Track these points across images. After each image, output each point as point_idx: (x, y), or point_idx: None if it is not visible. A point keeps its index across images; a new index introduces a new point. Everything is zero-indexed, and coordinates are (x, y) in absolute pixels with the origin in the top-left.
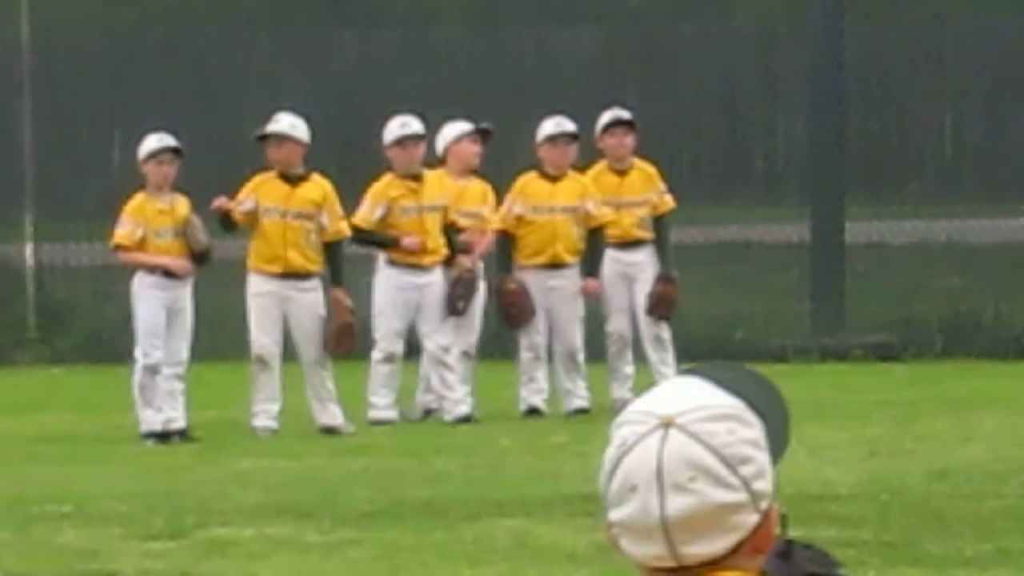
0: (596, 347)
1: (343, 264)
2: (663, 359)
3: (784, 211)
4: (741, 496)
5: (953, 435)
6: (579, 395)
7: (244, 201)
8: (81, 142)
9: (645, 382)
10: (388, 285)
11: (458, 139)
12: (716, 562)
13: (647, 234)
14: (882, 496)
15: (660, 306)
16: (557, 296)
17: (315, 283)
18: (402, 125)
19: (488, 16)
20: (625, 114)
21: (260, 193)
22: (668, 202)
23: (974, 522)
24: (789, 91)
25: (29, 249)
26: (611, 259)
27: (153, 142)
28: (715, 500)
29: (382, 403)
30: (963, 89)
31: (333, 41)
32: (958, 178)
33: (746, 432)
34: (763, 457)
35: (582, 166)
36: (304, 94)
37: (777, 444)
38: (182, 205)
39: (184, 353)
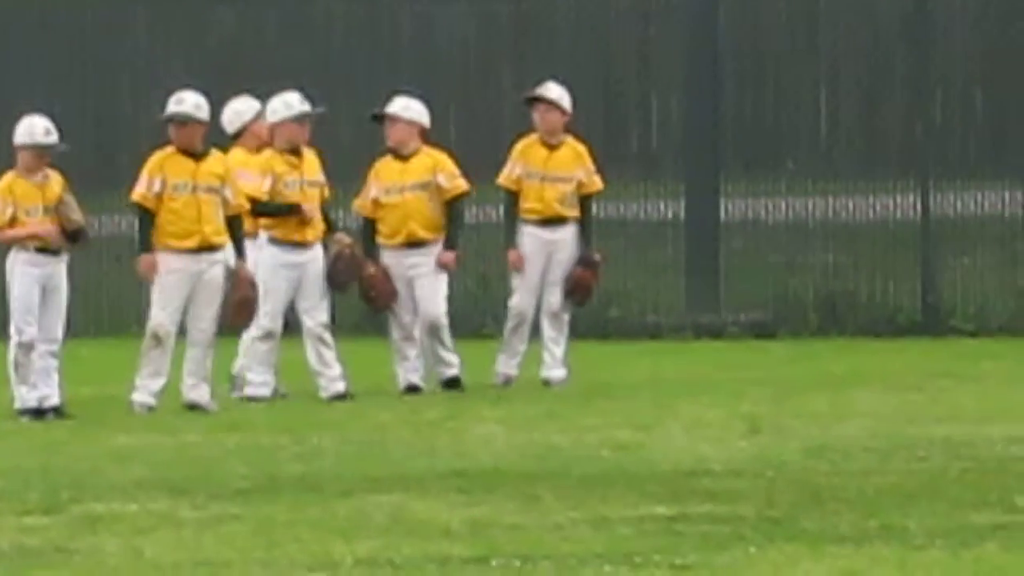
0: (474, 322)
1: (243, 237)
2: (556, 338)
3: (659, 188)
4: None
5: (830, 412)
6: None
7: (151, 185)
8: None
9: (533, 359)
10: (271, 262)
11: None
12: None
13: (571, 212)
14: (759, 472)
15: (577, 291)
16: (418, 272)
17: (222, 256)
18: (300, 101)
19: None
20: (551, 91)
21: (167, 170)
22: (596, 182)
23: (852, 499)
24: (665, 68)
25: None
26: (531, 235)
27: (38, 133)
28: None
29: (258, 380)
30: (838, 67)
31: (210, 16)
32: (833, 156)
33: None
34: None
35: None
36: (181, 70)
37: None
38: (55, 183)
39: (59, 330)
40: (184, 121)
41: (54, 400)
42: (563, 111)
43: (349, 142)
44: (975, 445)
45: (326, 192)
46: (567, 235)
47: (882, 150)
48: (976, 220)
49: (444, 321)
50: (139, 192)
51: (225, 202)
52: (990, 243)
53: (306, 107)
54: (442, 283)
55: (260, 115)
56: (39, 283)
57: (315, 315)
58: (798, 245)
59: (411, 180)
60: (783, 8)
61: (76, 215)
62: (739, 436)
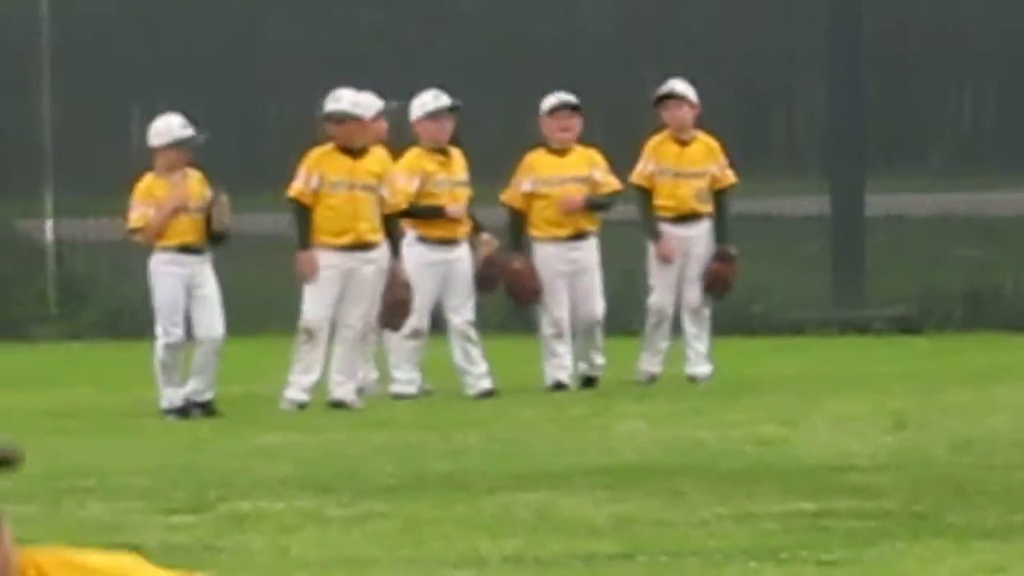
0: (622, 319)
1: (401, 237)
2: (698, 335)
3: (804, 184)
4: None
5: (975, 407)
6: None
7: (309, 181)
8: (100, 117)
9: (677, 356)
10: (419, 262)
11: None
12: None
13: (705, 207)
14: (904, 467)
15: (716, 286)
16: (578, 268)
17: (377, 254)
18: (435, 98)
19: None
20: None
21: (324, 167)
22: (729, 176)
23: (998, 493)
24: (809, 63)
25: (49, 225)
26: (666, 232)
27: (175, 127)
28: None
29: (404, 377)
30: (983, 61)
31: (351, 12)
32: (978, 150)
33: None
34: None
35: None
36: (321, 68)
37: None
38: (196, 181)
39: (219, 327)
40: (342, 119)
41: (207, 395)
42: (691, 105)
43: (495, 138)
44: None
45: (470, 192)
46: (702, 231)
47: None
48: None
49: (601, 320)
50: (297, 188)
51: (382, 200)
52: None
53: (442, 102)
54: (599, 280)
55: (380, 113)
56: (183, 283)
57: (461, 313)
58: (943, 239)
59: (571, 173)
60: (928, 1)
61: (227, 219)
62: (884, 431)
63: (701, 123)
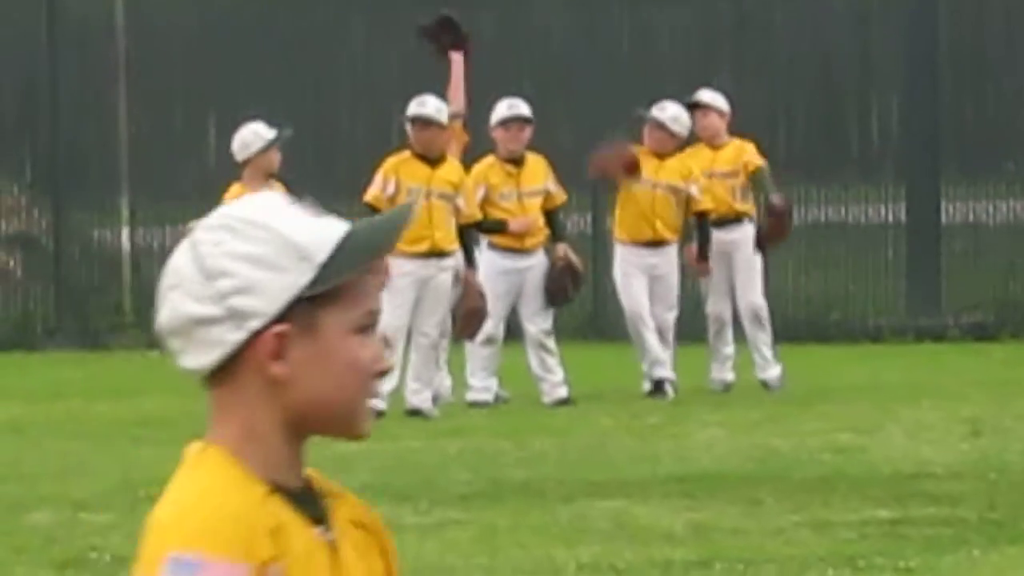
0: (696, 327)
1: (475, 247)
2: (762, 338)
3: (880, 191)
4: (212, 310)
5: None
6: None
7: (386, 187)
8: (176, 126)
9: (747, 362)
10: (491, 269)
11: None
12: (220, 380)
13: (744, 207)
14: (981, 475)
15: (772, 237)
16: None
17: (452, 262)
18: (509, 107)
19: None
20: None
21: (401, 174)
22: (756, 159)
23: None
24: (884, 70)
25: (125, 233)
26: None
27: (262, 132)
28: (184, 311)
29: (479, 385)
30: None
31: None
32: None
33: (237, 245)
34: (255, 274)
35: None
36: (398, 77)
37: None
38: (279, 190)
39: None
40: (426, 123)
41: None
42: (720, 113)
43: (570, 146)
44: None
45: (557, 199)
46: (743, 235)
47: None
48: None
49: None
50: (372, 193)
51: (457, 210)
52: None
53: (515, 111)
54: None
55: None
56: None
57: (537, 321)
58: (1019, 247)
59: (664, 180)
60: (1002, 9)
61: None
62: (960, 439)
63: (733, 129)
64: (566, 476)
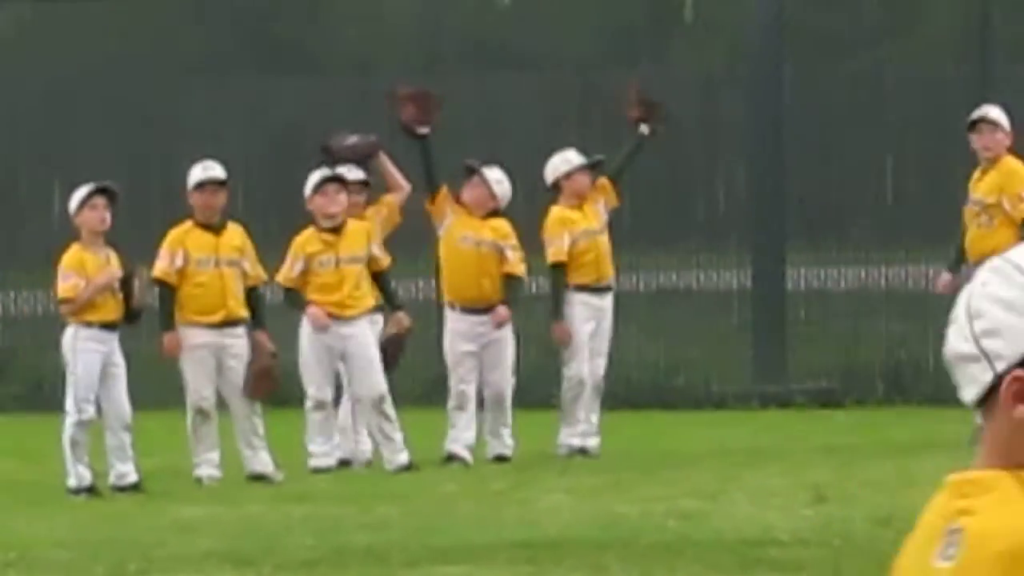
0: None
1: (263, 308)
2: (596, 405)
3: (725, 257)
4: (970, 348)
5: (896, 481)
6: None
7: (174, 260)
8: (21, 192)
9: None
10: (309, 334)
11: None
12: (986, 415)
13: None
14: (826, 541)
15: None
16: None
17: (243, 329)
18: (322, 173)
19: (429, 63)
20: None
21: (188, 245)
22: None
23: None
24: (729, 136)
25: None
26: (580, 302)
27: (83, 191)
28: (953, 346)
29: (319, 451)
30: (903, 136)
31: (271, 89)
32: (898, 225)
33: (997, 288)
34: (1004, 317)
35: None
36: (242, 142)
37: None
38: (114, 260)
39: (127, 405)
40: (219, 185)
41: (132, 477)
42: (588, 173)
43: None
44: None
45: (382, 262)
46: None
47: (946, 218)
48: None
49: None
50: (160, 268)
51: (244, 274)
52: None
53: (348, 177)
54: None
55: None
56: (101, 360)
57: (371, 388)
58: (864, 314)
59: (490, 238)
60: (847, 77)
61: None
62: (805, 505)
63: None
64: (410, 542)
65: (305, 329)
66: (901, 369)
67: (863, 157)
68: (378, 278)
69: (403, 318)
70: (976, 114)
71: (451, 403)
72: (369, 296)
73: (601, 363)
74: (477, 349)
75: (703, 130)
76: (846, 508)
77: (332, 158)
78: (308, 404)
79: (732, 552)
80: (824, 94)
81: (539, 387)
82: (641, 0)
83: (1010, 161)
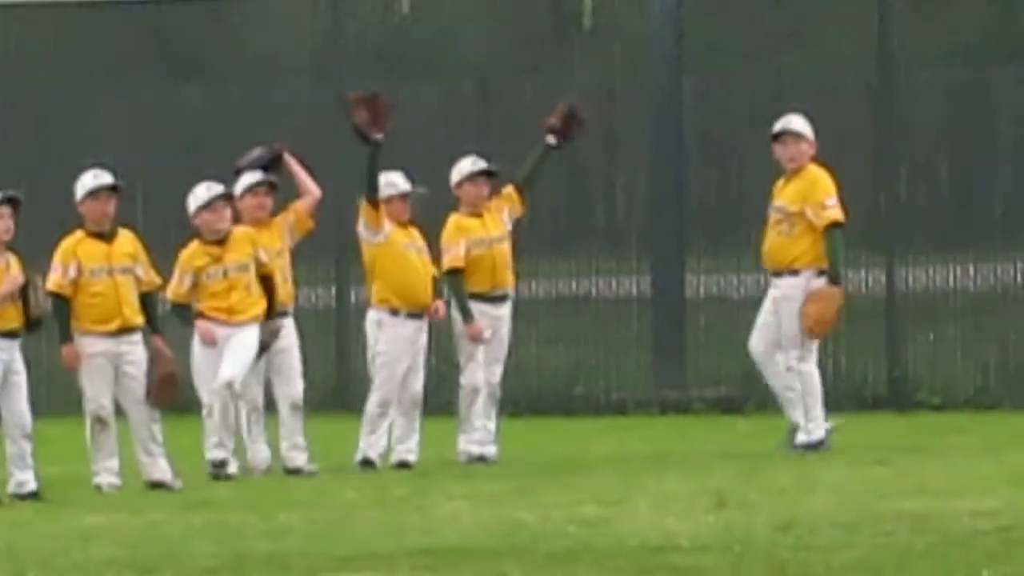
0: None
1: (158, 313)
2: (495, 412)
3: (625, 264)
4: None
5: (796, 487)
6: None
7: (67, 272)
8: None
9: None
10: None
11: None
12: None
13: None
14: (726, 547)
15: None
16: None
17: (140, 336)
18: (208, 188)
19: (330, 71)
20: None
21: (80, 255)
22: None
23: (819, 574)
24: (630, 143)
25: None
26: (476, 311)
27: None
28: None
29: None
30: None
31: (172, 97)
32: None
33: None
34: None
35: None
36: (143, 150)
37: None
38: (14, 265)
39: (28, 414)
40: (112, 191)
41: (31, 486)
42: (486, 180)
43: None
44: (942, 519)
45: (268, 268)
46: (508, 311)
47: (848, 225)
48: (941, 294)
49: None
50: (54, 280)
51: (138, 280)
52: (955, 317)
53: (216, 192)
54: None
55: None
56: (2, 369)
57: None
58: None
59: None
60: (746, 84)
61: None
62: (706, 511)
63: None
64: (311, 549)
65: (197, 336)
66: None
67: (763, 164)
68: (266, 282)
69: (279, 325)
70: (779, 126)
71: (376, 409)
72: (259, 302)
73: (497, 370)
74: (412, 356)
75: (604, 137)
76: (747, 514)
77: (239, 174)
78: (204, 411)
79: (633, 558)
80: (724, 102)
81: (440, 394)
82: (542, 8)
83: (813, 170)
